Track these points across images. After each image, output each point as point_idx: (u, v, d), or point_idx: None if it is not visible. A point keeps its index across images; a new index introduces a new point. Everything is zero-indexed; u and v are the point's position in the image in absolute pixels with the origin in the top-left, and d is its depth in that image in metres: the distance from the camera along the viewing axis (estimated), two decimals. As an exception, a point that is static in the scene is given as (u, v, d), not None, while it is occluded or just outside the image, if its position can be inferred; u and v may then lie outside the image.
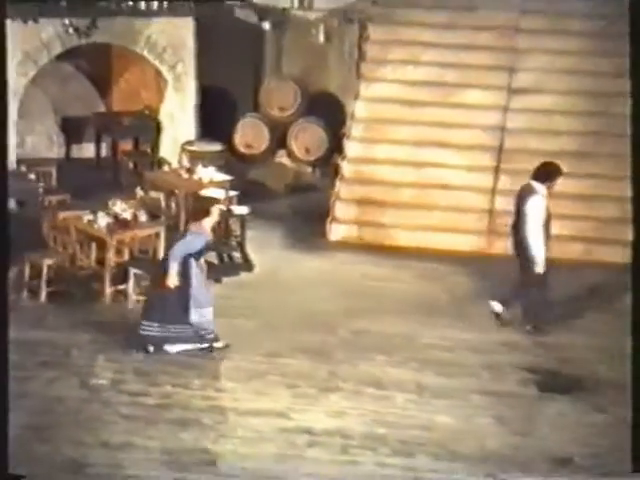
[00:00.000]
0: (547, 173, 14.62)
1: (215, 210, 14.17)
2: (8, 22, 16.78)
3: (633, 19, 11.45)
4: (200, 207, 14.57)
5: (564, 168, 16.59)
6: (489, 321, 14.89)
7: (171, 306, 13.86)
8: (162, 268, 13.91)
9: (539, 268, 14.38)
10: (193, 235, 13.88)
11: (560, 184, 16.77)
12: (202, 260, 14.04)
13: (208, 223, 14.02)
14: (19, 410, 12.24)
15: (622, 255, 16.26)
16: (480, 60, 18.30)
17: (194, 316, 13.87)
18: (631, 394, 10.27)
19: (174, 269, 13.70)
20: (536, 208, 14.36)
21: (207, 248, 14.08)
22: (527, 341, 14.48)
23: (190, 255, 13.79)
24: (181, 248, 13.78)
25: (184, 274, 13.78)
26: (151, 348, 13.84)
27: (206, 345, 13.91)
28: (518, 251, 14.63)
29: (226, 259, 16.13)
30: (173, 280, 13.69)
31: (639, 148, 11.02)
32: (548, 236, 14.51)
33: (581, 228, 17.06)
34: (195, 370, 13.52)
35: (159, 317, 13.86)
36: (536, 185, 14.45)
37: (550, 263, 15.60)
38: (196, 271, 13.87)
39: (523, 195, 14.52)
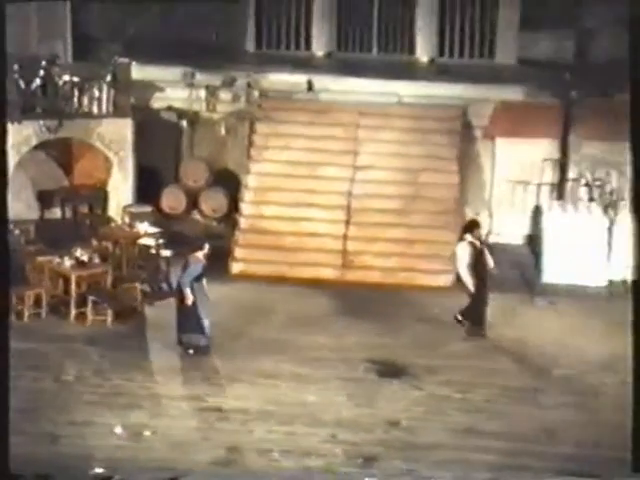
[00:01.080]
0: (470, 226, 14.93)
1: (206, 245, 14.05)
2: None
3: (633, 18, 9.64)
4: (197, 243, 14.38)
5: (391, 221, 17.08)
6: (343, 329, 14.89)
7: (190, 319, 13.74)
8: (178, 293, 13.78)
9: (470, 288, 14.59)
10: (194, 264, 13.79)
11: (388, 231, 17.31)
12: (204, 281, 13.86)
13: (201, 254, 13.93)
14: (11, 399, 12.21)
15: (433, 280, 16.76)
16: (333, 146, 18.38)
17: (205, 325, 13.80)
18: (632, 394, 9.50)
19: (189, 291, 13.59)
20: (463, 249, 14.61)
21: (203, 273, 13.87)
22: (370, 341, 14.48)
23: (195, 279, 13.71)
24: (188, 276, 13.67)
25: (193, 294, 13.65)
26: (191, 351, 13.76)
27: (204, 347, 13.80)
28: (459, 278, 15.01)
29: (156, 288, 15.92)
30: (189, 299, 13.59)
31: (639, 151, 9.39)
32: (483, 267, 14.61)
33: (405, 262, 17.05)
34: (135, 368, 13.42)
35: (184, 328, 13.78)
36: (465, 235, 14.71)
37: (381, 287, 15.93)
38: (199, 290, 13.76)
39: (458, 242, 14.85)
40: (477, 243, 14.71)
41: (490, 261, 14.74)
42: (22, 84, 17.50)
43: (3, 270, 8.79)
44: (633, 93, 9.38)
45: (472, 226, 14.95)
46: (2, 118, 8.89)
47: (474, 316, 14.76)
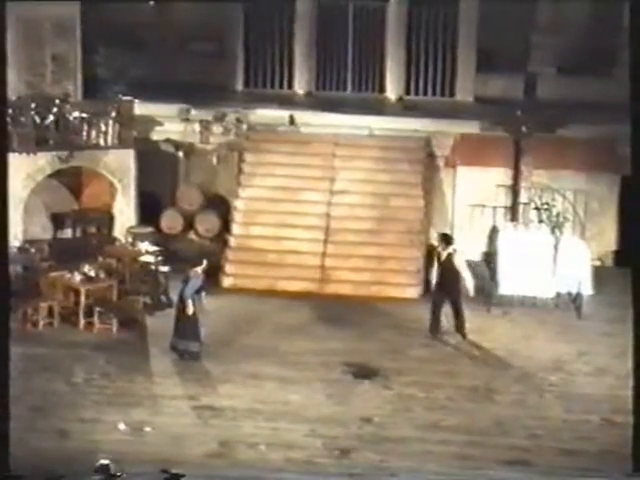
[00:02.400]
0: (443, 240, 15.07)
1: (204, 261, 14.02)
2: (16, 155, 16.95)
3: (633, 18, 8.92)
4: (195, 259, 14.34)
5: (365, 240, 17.12)
6: (322, 336, 14.85)
7: (189, 327, 13.68)
8: (180, 304, 13.70)
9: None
10: (194, 278, 13.73)
11: (362, 249, 17.31)
12: (203, 293, 13.81)
13: (200, 269, 13.87)
14: (27, 398, 12.23)
15: (401, 292, 16.80)
16: (313, 174, 18.34)
17: (201, 333, 13.74)
18: (632, 396, 9.15)
19: (190, 303, 13.53)
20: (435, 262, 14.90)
21: (203, 286, 13.84)
22: (346, 347, 14.46)
23: (195, 292, 13.66)
24: (190, 289, 13.61)
25: (193, 305, 13.59)
26: (187, 356, 13.68)
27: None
28: None
29: (156, 300, 15.82)
30: (190, 310, 13.53)
31: (638, 150, 8.84)
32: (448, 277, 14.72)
33: (377, 276, 17.03)
34: (137, 371, 13.42)
35: (182, 335, 13.69)
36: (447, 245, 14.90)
37: (356, 299, 15.85)
38: (198, 302, 13.72)
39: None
40: (444, 254, 14.79)
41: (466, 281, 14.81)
42: (37, 120, 17.55)
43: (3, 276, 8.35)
44: (633, 95, 8.81)
45: (445, 239, 15.08)
46: (2, 118, 8.33)
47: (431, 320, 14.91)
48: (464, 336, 14.76)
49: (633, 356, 8.48)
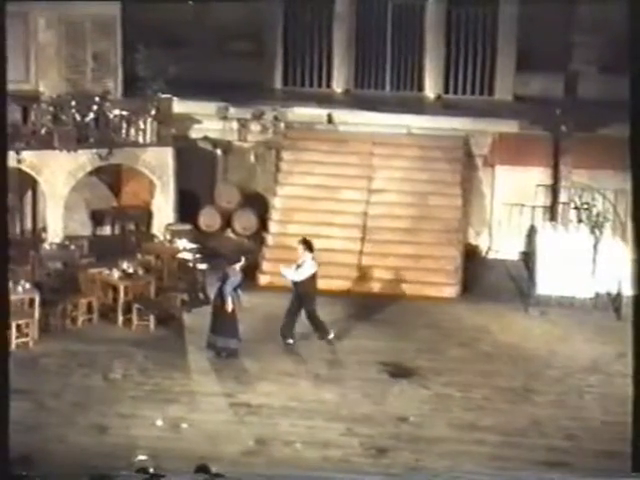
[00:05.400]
0: (304, 244, 14.41)
1: (243, 258, 14.06)
2: (57, 152, 17.01)
3: (633, 17, 9.02)
4: (234, 256, 14.29)
5: (402, 239, 17.00)
6: (358, 334, 14.75)
7: (227, 324, 13.69)
8: (219, 301, 13.72)
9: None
10: (233, 276, 13.74)
11: (399, 248, 17.24)
12: (239, 291, 13.83)
13: (238, 266, 13.88)
14: (66, 393, 12.34)
15: (438, 291, 16.72)
16: (350, 172, 18.33)
17: (239, 329, 13.76)
18: (632, 396, 8.91)
19: (230, 300, 13.56)
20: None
21: (241, 283, 13.86)
22: (383, 345, 14.41)
23: (233, 289, 13.68)
24: (229, 285, 13.63)
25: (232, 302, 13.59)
26: (224, 354, 13.71)
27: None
28: None
29: (193, 297, 15.82)
30: (230, 307, 13.56)
31: (638, 153, 8.83)
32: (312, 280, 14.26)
33: (414, 275, 16.90)
34: (174, 367, 13.43)
35: (220, 332, 13.71)
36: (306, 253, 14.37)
37: (392, 298, 15.80)
38: (236, 300, 13.75)
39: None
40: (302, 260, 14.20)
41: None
42: (78, 117, 17.66)
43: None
44: (633, 95, 8.82)
45: (309, 245, 14.38)
46: (2, 118, 8.15)
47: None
48: (322, 338, 14.27)
49: (633, 357, 8.48)
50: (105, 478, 7.76)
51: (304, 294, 14.27)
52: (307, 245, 14.45)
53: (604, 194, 17.48)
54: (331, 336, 14.29)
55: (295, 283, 14.27)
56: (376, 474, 10.55)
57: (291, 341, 14.25)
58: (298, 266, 14.25)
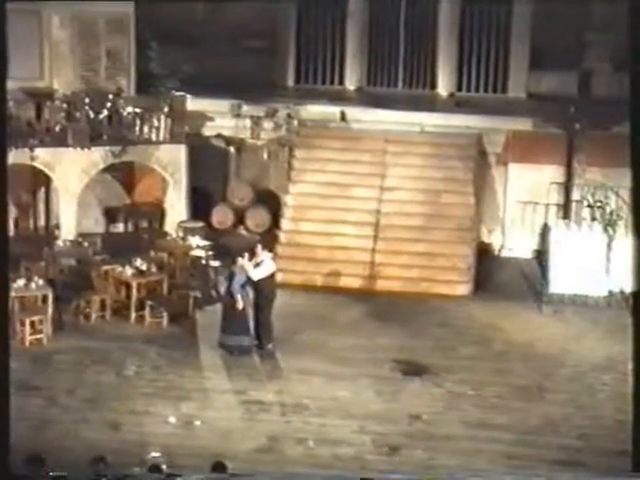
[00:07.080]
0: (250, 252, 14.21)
1: (246, 254, 13.94)
2: (71, 150, 17.01)
3: (633, 17, 8.86)
4: (238, 253, 14.14)
5: (414, 237, 16.91)
6: (370, 332, 14.77)
7: (239, 322, 13.66)
8: (228, 300, 13.70)
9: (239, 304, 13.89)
10: (238, 274, 13.73)
11: (412, 246, 17.14)
12: (247, 288, 13.77)
13: (243, 263, 13.80)
14: (79, 390, 12.33)
15: (451, 289, 16.65)
16: (363, 170, 18.23)
17: (251, 327, 13.75)
18: (632, 396, 9.02)
19: (239, 298, 13.55)
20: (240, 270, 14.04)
21: (248, 281, 13.78)
22: (395, 343, 14.40)
23: (241, 286, 13.67)
24: (237, 283, 13.62)
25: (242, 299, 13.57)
26: (236, 352, 13.65)
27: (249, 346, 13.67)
28: None
29: (206, 295, 15.76)
30: (240, 305, 13.55)
31: (638, 150, 8.56)
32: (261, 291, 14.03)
33: (426, 273, 16.87)
34: (187, 364, 13.45)
35: (232, 331, 13.67)
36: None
37: (405, 296, 15.81)
38: (245, 297, 13.74)
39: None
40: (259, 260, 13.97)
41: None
42: (91, 114, 17.65)
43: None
44: (632, 96, 8.61)
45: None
46: (2, 118, 8.10)
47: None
48: (262, 347, 13.88)
49: (633, 357, 8.44)
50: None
51: (262, 294, 13.94)
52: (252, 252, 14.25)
53: (617, 192, 17.37)
54: (270, 346, 13.90)
55: (254, 282, 13.98)
56: (389, 472, 10.55)
57: (270, 346, 13.95)
58: (257, 264, 14.02)
